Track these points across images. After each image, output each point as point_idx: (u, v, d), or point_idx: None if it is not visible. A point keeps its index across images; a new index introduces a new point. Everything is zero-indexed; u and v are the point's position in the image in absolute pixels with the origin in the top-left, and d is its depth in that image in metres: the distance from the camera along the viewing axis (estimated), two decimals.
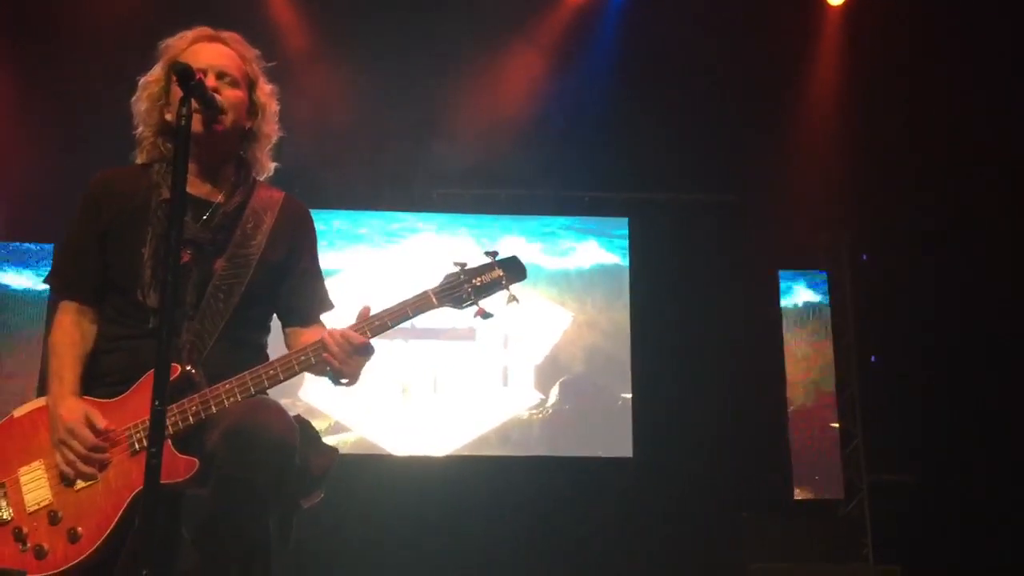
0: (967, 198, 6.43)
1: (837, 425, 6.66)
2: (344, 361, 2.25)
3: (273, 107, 2.53)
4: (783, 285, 6.90)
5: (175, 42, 2.46)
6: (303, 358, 2.28)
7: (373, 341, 2.30)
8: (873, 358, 6.88)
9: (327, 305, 2.56)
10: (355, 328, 2.27)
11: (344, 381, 2.31)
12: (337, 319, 2.49)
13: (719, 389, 6.67)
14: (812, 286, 6.91)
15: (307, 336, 2.45)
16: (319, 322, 2.53)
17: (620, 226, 7.16)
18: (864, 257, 6.95)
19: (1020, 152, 6.16)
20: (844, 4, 6.31)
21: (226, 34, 2.49)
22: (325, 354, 2.25)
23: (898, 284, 6.68)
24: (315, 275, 2.56)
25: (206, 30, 2.48)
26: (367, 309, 2.30)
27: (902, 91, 6.28)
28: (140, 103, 2.45)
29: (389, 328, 2.31)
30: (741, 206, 6.99)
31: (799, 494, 6.45)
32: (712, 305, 6.81)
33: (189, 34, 2.47)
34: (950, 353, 6.52)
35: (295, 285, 2.50)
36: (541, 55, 6.45)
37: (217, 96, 2.26)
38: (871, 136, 6.48)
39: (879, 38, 6.19)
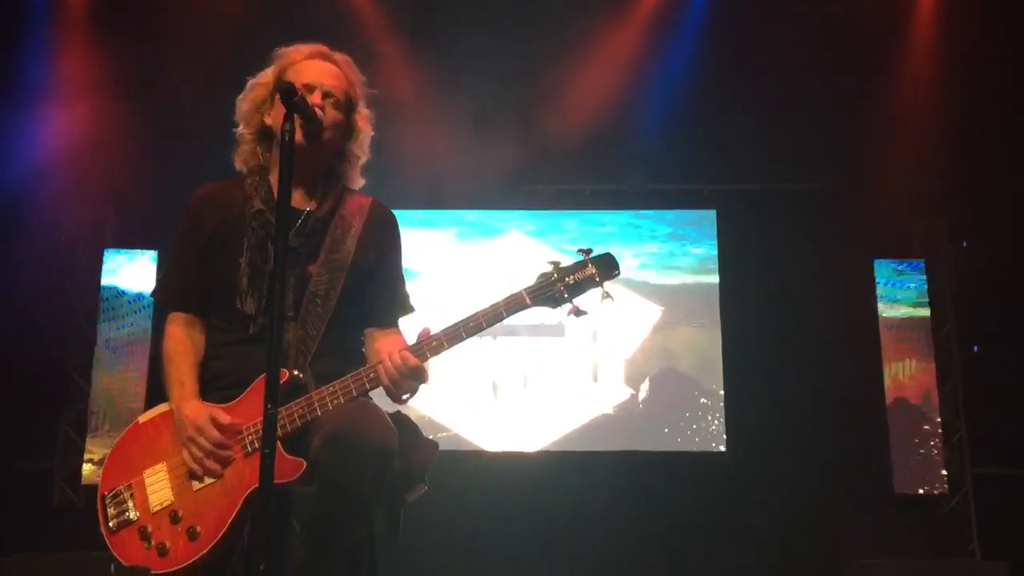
0: None
1: (939, 419, 6.46)
2: (397, 383, 2.30)
3: (368, 131, 2.62)
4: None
5: (290, 52, 2.55)
6: (363, 379, 2.32)
7: (469, 341, 2.34)
8: (976, 348, 6.67)
9: (408, 308, 2.62)
10: (413, 349, 2.32)
11: (405, 397, 2.36)
12: (420, 321, 2.54)
13: (814, 381, 6.55)
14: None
15: (382, 341, 2.52)
16: (396, 326, 2.59)
17: (708, 218, 7.09)
18: (964, 244, 6.74)
19: None
20: None
21: (338, 56, 2.58)
22: (384, 379, 2.29)
23: (999, 271, 6.45)
24: (397, 278, 2.62)
25: (321, 48, 2.57)
26: (426, 331, 2.33)
27: (1000, 71, 6.06)
28: (244, 103, 2.56)
29: (484, 329, 2.35)
30: (833, 194, 6.85)
31: (900, 488, 6.29)
32: (805, 296, 6.69)
33: (304, 48, 2.56)
34: None
35: (378, 288, 2.57)
36: (626, 49, 6.43)
37: (319, 111, 2.35)
38: (968, 118, 6.27)
39: (976, 17, 5.99)
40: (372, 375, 2.32)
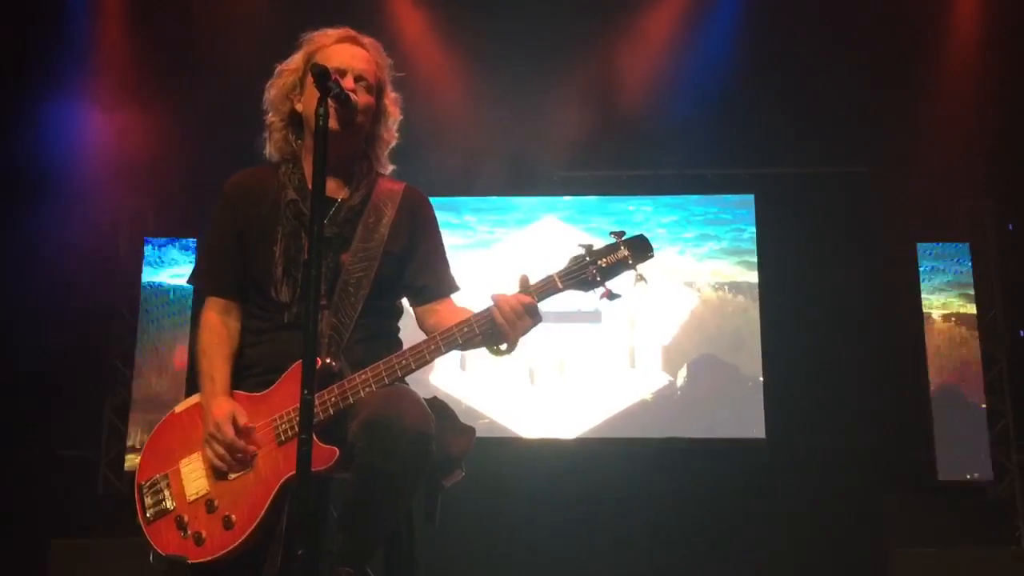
0: None
1: (984, 404, 6.34)
2: (514, 323, 2.27)
3: (396, 115, 2.62)
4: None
5: (318, 37, 2.56)
6: (465, 330, 2.31)
7: None
8: (1022, 332, 6.54)
9: (454, 285, 2.62)
10: (521, 291, 2.31)
11: (504, 348, 2.32)
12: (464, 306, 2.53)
13: (856, 367, 6.46)
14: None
15: (444, 313, 2.51)
16: (450, 298, 2.58)
17: (747, 203, 7.00)
18: (1010, 227, 6.59)
19: None
20: None
21: (367, 39, 2.58)
22: (499, 318, 2.27)
23: None
24: (439, 255, 2.62)
25: (349, 31, 2.57)
26: (525, 277, 2.33)
27: None
28: (272, 90, 2.57)
29: None
30: (874, 177, 6.73)
31: (944, 475, 6.18)
32: (846, 281, 6.59)
33: (333, 32, 2.56)
34: None
35: (420, 266, 2.57)
36: (663, 33, 6.36)
37: (352, 95, 2.34)
38: (1013, 97, 6.12)
39: None
40: (404, 362, 2.30)
